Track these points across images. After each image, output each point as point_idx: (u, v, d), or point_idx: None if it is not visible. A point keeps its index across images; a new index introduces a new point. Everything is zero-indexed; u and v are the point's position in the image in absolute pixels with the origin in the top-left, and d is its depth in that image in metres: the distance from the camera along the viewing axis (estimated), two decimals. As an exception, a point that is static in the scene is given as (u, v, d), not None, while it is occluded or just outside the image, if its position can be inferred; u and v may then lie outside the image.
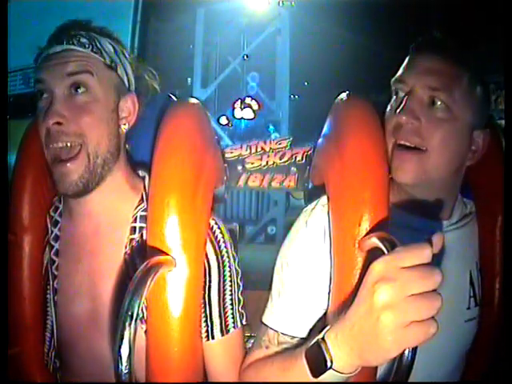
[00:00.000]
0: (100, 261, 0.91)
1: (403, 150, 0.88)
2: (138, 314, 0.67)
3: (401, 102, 0.89)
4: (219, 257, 0.91)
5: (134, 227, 0.92)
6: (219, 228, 0.93)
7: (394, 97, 0.93)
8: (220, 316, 0.91)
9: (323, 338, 0.64)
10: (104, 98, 0.89)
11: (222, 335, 0.91)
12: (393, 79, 0.93)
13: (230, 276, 0.93)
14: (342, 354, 0.62)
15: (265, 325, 0.92)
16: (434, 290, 0.56)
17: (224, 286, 0.92)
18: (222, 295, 0.91)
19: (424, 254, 0.57)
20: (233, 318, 0.92)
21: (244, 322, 0.94)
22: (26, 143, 0.98)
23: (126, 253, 0.91)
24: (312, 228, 0.91)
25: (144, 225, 0.89)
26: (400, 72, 0.93)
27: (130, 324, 0.66)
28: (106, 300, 0.89)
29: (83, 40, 0.88)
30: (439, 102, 0.87)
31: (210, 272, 0.90)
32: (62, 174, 0.85)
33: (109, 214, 0.93)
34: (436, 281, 0.56)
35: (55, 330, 0.93)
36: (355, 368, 0.64)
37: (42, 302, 0.94)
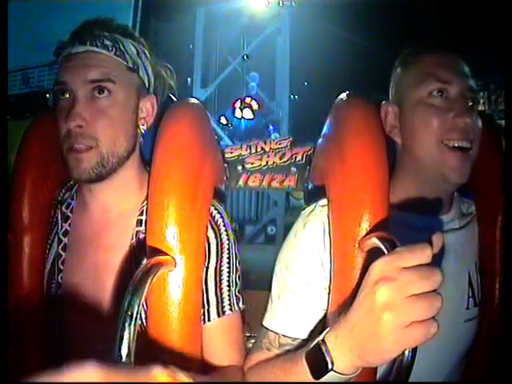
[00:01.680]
0: (106, 254, 0.92)
1: (460, 152, 0.90)
2: (137, 314, 0.67)
3: (453, 103, 0.91)
4: (218, 238, 0.91)
5: (141, 220, 0.93)
6: (218, 212, 0.93)
7: (437, 96, 0.92)
8: (216, 296, 0.90)
9: (323, 340, 0.64)
10: (125, 101, 0.90)
11: (218, 316, 0.89)
12: (431, 79, 0.92)
13: (229, 258, 0.92)
14: (343, 356, 0.62)
15: (265, 327, 0.92)
16: (435, 291, 0.56)
17: (221, 267, 0.91)
18: (218, 276, 0.91)
19: (424, 254, 0.57)
20: (229, 300, 0.91)
21: (241, 306, 0.93)
22: (26, 143, 0.98)
23: (131, 244, 0.92)
24: (311, 230, 0.91)
25: None
26: (439, 71, 0.92)
27: (129, 324, 0.66)
28: (109, 293, 0.90)
29: (107, 42, 0.89)
30: (475, 102, 0.93)
31: (209, 252, 0.90)
32: (75, 160, 0.87)
33: (118, 208, 0.94)
34: (436, 281, 0.56)
35: (57, 326, 0.93)
36: (356, 369, 0.63)
37: (42, 301, 0.94)
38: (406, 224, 0.90)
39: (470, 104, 0.92)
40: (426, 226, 0.93)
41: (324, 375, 0.64)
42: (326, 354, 0.63)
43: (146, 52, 0.95)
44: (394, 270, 0.57)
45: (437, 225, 0.97)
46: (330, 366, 0.62)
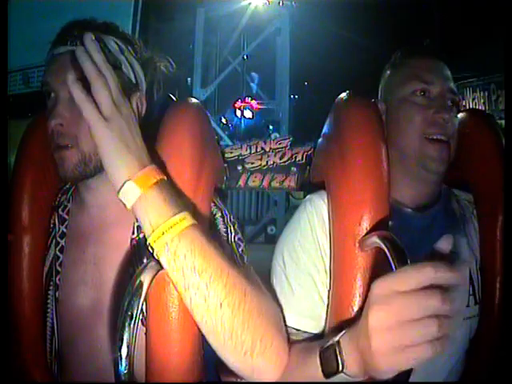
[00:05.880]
0: (106, 249, 0.92)
1: (439, 143, 0.99)
2: (137, 315, 0.67)
3: (434, 101, 1.00)
4: (219, 237, 0.90)
5: None
6: (220, 210, 0.93)
7: (420, 95, 1.02)
8: None
9: (338, 342, 0.65)
10: None
11: None
12: (416, 80, 1.02)
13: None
14: (354, 361, 0.63)
15: None
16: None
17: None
18: None
19: (425, 277, 0.56)
20: None
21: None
22: (25, 143, 0.98)
23: (133, 239, 0.91)
24: (314, 216, 0.93)
25: None
26: (423, 74, 1.02)
27: (129, 324, 0.66)
28: (109, 289, 0.89)
29: None
30: (453, 103, 1.02)
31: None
32: (59, 159, 0.89)
33: (116, 203, 0.93)
34: (434, 306, 0.55)
35: (56, 327, 0.93)
36: (364, 375, 0.64)
37: (42, 302, 0.94)
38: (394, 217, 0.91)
39: (450, 104, 1.01)
40: (411, 217, 1.00)
41: (334, 375, 0.64)
42: (338, 356, 0.64)
43: (131, 48, 0.94)
44: (389, 295, 0.57)
45: (422, 218, 1.01)
46: (340, 368, 0.63)
